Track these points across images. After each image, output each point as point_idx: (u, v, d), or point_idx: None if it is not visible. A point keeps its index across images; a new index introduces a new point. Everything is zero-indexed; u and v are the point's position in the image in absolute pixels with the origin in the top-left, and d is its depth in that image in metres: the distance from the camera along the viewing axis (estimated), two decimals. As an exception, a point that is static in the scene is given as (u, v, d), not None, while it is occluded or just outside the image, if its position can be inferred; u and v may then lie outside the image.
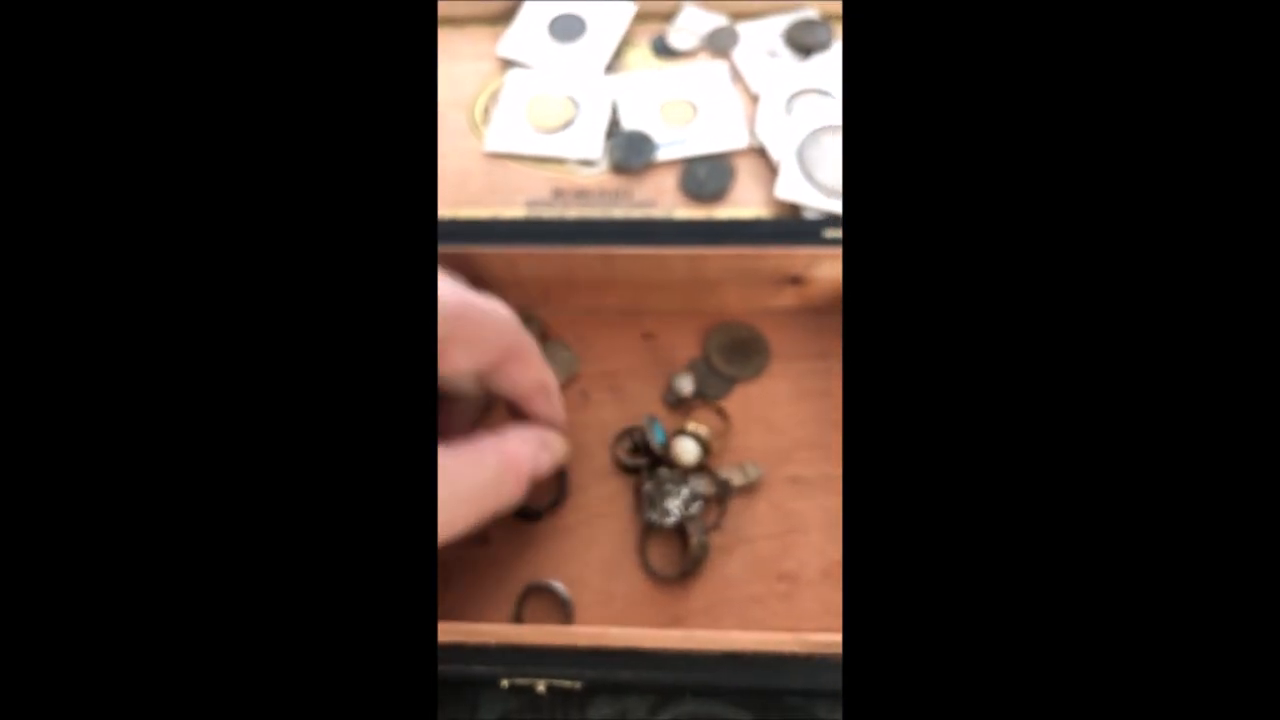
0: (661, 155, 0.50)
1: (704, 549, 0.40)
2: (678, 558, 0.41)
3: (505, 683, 0.34)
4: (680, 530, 0.40)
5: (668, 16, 0.57)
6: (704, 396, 0.44)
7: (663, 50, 0.55)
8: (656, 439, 0.41)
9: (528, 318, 0.47)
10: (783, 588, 0.40)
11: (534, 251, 0.46)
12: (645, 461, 0.42)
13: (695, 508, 0.40)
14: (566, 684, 0.34)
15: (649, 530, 0.40)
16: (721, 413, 0.43)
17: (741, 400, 0.45)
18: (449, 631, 0.35)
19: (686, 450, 0.41)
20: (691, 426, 0.41)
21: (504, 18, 0.57)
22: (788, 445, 0.43)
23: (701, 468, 0.41)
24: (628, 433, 0.43)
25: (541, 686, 0.34)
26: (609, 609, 0.40)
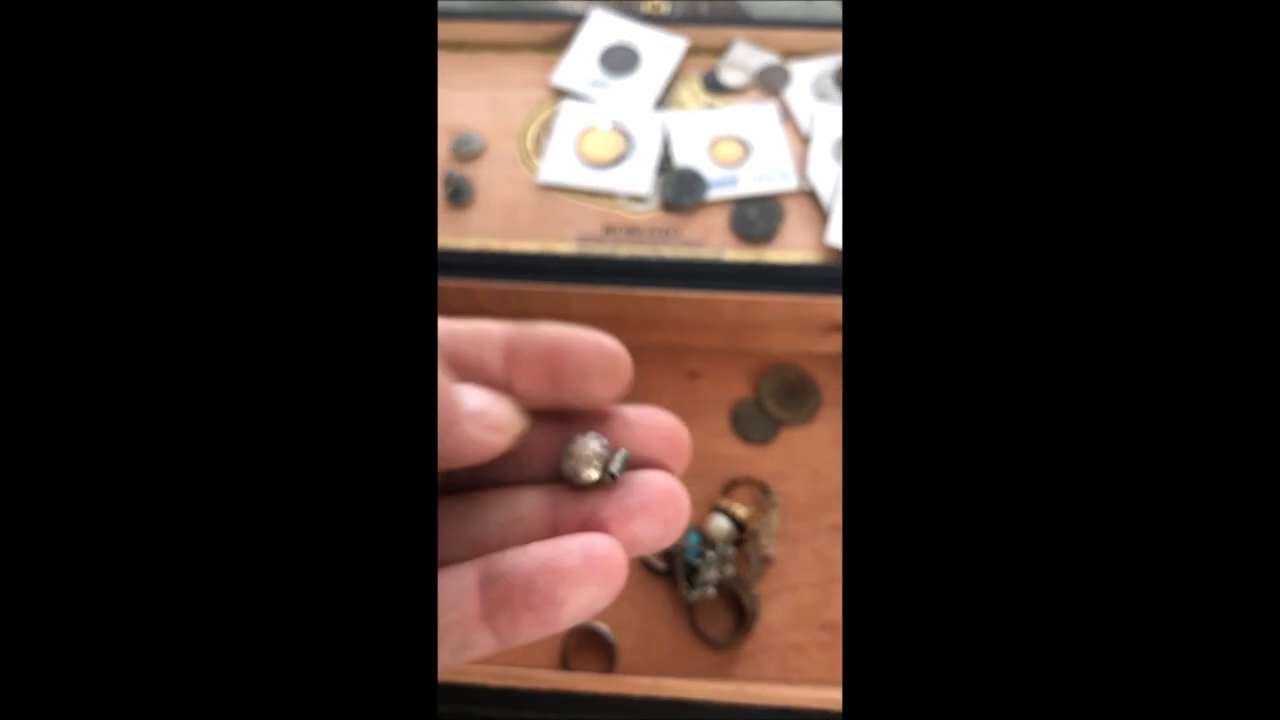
0: (712, 195, 0.50)
1: (754, 601, 0.40)
2: (725, 617, 0.41)
3: (556, 729, 0.35)
4: (726, 592, 0.41)
5: (719, 51, 0.57)
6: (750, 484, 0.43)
7: (713, 86, 0.56)
8: (689, 555, 0.40)
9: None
10: (825, 637, 0.40)
11: (587, 290, 0.46)
12: (665, 567, 0.41)
13: (729, 570, 0.40)
14: (617, 733, 0.35)
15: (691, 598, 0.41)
16: (765, 489, 0.44)
17: (786, 446, 0.45)
18: (500, 676, 0.36)
19: (718, 528, 0.41)
20: (726, 503, 0.42)
21: (555, 45, 0.58)
22: (830, 493, 0.44)
23: (738, 543, 0.41)
24: None
25: (593, 734, 0.35)
26: (652, 653, 0.40)
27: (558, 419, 0.21)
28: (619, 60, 0.56)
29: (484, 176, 0.52)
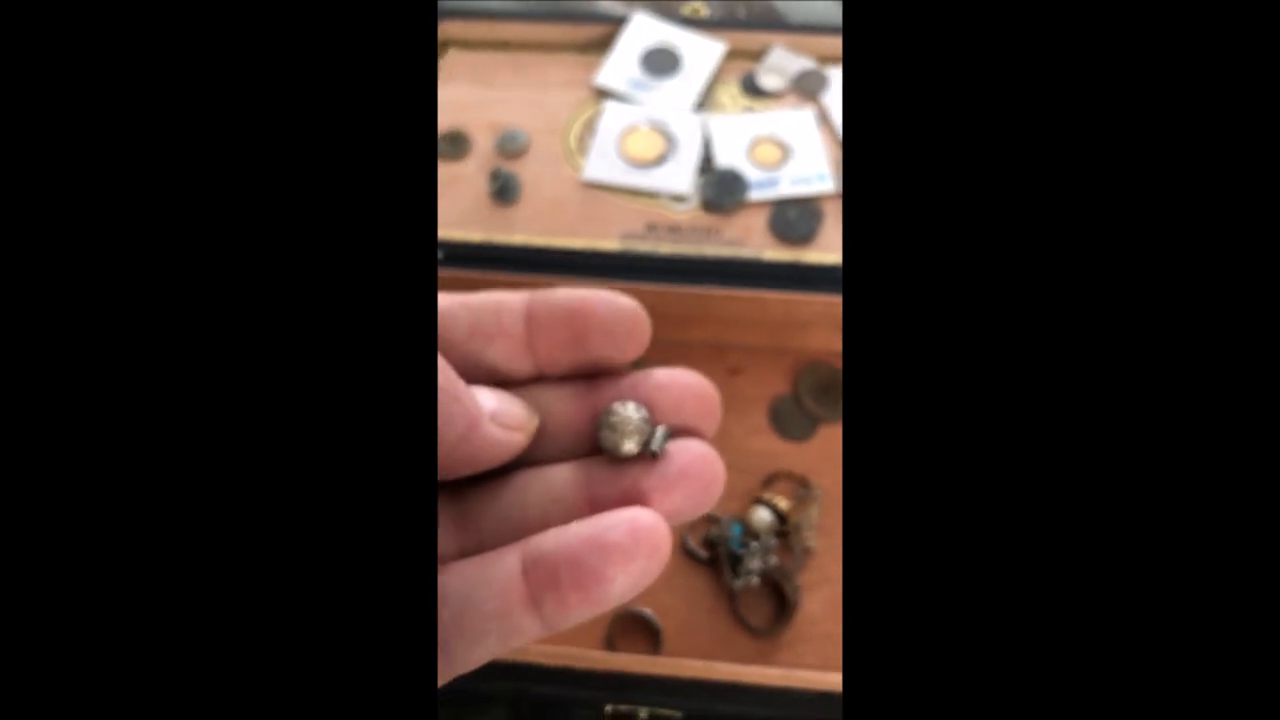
0: (752, 196, 0.52)
1: (796, 591, 0.41)
2: (766, 606, 0.42)
3: (609, 708, 0.36)
4: (769, 581, 0.42)
5: (757, 56, 0.58)
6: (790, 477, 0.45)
7: (751, 89, 0.57)
8: (732, 545, 0.42)
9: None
10: (862, 627, 0.42)
11: (631, 286, 0.48)
12: (707, 556, 0.43)
13: (772, 560, 0.41)
14: (666, 713, 0.36)
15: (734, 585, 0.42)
16: (805, 483, 0.45)
17: (824, 442, 0.47)
18: (553, 655, 0.37)
19: (760, 519, 0.42)
20: (769, 496, 0.43)
21: (596, 45, 0.59)
22: (867, 488, 0.45)
23: (781, 534, 0.43)
24: (706, 519, 0.44)
25: (644, 714, 0.36)
26: (695, 639, 0.41)
27: (583, 387, 0.20)
28: (660, 62, 0.57)
29: (529, 174, 0.53)
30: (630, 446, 0.19)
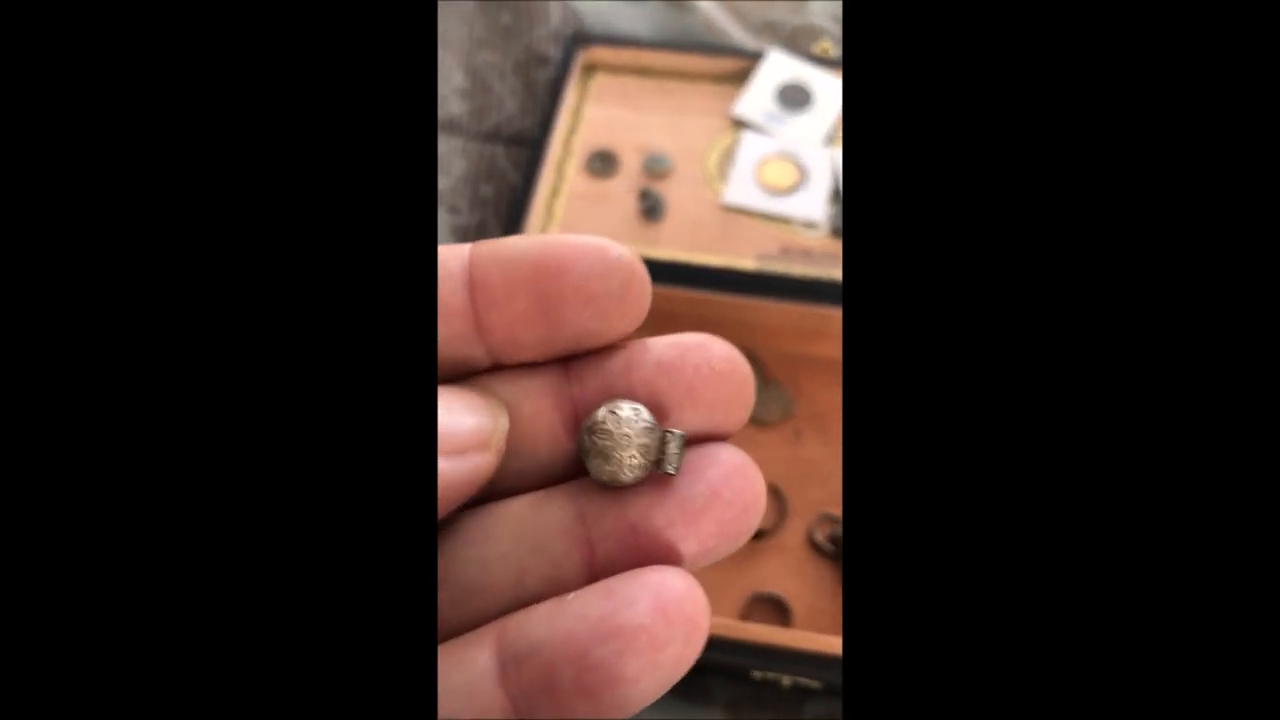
0: (879, 227, 0.57)
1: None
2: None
3: (756, 674, 0.41)
4: None
5: (881, 95, 0.63)
6: None
7: (877, 127, 0.62)
8: None
9: (750, 357, 0.54)
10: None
11: (765, 303, 0.53)
12: (833, 550, 0.48)
13: None
14: (807, 682, 0.41)
15: None
16: None
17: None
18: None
19: None
20: None
21: (733, 77, 0.64)
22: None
23: None
24: (831, 519, 0.48)
25: (787, 682, 0.41)
26: (818, 623, 0.46)
27: (557, 375, 0.15)
28: (793, 97, 0.62)
29: (673, 194, 0.59)
30: (630, 475, 0.14)
